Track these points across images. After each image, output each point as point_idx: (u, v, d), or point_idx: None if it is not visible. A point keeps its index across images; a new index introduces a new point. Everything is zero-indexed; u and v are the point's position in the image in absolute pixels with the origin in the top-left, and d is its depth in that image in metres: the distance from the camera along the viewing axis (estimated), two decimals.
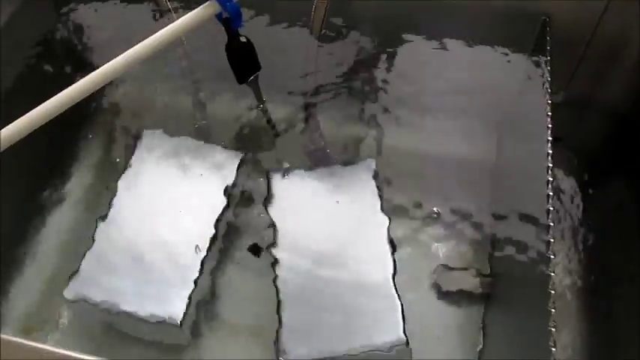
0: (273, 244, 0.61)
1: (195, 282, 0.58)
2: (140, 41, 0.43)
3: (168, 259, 0.59)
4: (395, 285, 0.57)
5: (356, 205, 0.63)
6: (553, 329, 0.44)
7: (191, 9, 0.45)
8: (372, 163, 0.65)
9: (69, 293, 0.57)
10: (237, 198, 0.67)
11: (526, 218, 0.56)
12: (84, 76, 0.41)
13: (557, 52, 0.59)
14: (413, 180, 0.69)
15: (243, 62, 0.52)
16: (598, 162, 0.69)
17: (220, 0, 0.45)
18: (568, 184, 0.68)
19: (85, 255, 0.59)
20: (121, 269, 0.58)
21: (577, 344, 0.59)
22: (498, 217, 0.65)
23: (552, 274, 0.46)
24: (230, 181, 0.65)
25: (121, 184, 0.64)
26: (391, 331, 0.55)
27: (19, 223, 0.67)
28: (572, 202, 0.67)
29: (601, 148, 0.69)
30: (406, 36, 0.65)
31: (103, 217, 0.62)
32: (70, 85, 0.41)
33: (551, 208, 0.49)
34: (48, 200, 0.70)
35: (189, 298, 0.57)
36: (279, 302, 0.57)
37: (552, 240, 0.47)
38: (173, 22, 0.44)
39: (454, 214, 0.67)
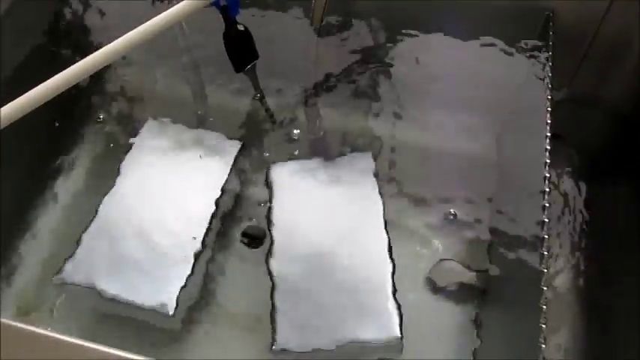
0: (270, 234, 0.61)
1: (191, 270, 0.58)
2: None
3: (164, 246, 0.59)
4: (393, 279, 0.57)
5: (354, 197, 0.63)
6: (544, 326, 0.44)
7: None
8: (370, 156, 0.65)
9: (63, 277, 0.58)
10: (236, 186, 0.67)
11: (524, 214, 0.56)
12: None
13: (561, 50, 0.59)
14: (412, 175, 0.68)
15: (241, 50, 0.52)
16: (599, 160, 0.68)
17: None
18: (569, 181, 0.68)
19: (80, 239, 0.60)
20: (116, 255, 0.58)
21: (576, 344, 0.59)
22: (498, 213, 0.65)
23: (545, 270, 0.46)
24: (229, 169, 0.65)
25: (120, 170, 0.64)
26: (385, 326, 0.55)
27: (19, 204, 0.67)
28: (572, 200, 0.67)
29: (603, 146, 0.69)
30: (408, 31, 0.65)
31: (99, 203, 0.62)
32: None
33: (547, 205, 0.49)
34: (48, 183, 0.70)
35: (184, 285, 0.57)
36: (273, 292, 0.57)
37: (547, 237, 0.47)
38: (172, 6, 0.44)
39: (454, 210, 0.66)
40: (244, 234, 0.65)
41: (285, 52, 0.68)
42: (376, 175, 0.64)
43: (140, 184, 0.63)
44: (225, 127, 0.69)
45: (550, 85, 0.55)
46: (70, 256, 0.59)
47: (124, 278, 0.57)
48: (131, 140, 0.67)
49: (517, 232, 0.57)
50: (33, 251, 0.65)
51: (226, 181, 0.64)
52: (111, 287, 0.57)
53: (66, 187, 0.70)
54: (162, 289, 0.56)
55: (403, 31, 0.65)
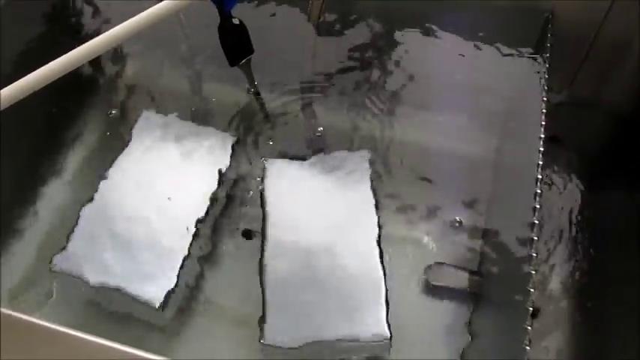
0: (263, 229, 0.61)
1: (183, 263, 0.58)
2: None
3: (157, 239, 0.59)
4: (384, 277, 0.57)
5: (348, 195, 0.62)
6: (529, 327, 0.43)
7: None
8: (366, 154, 0.65)
9: (53, 265, 0.58)
10: (231, 181, 0.67)
11: (519, 217, 0.56)
12: None
13: (561, 51, 0.59)
14: (408, 175, 0.68)
15: (235, 44, 0.52)
16: (599, 163, 0.68)
17: None
18: (568, 184, 0.67)
19: (73, 229, 0.60)
20: (109, 246, 0.59)
21: (570, 347, 0.59)
22: (493, 215, 0.64)
23: (533, 272, 0.45)
24: (224, 164, 0.65)
25: (115, 163, 0.64)
26: (374, 324, 0.54)
27: (16, 193, 0.68)
28: (571, 203, 0.66)
29: (602, 149, 0.68)
30: (407, 31, 0.65)
31: (94, 193, 0.62)
32: None
33: (538, 207, 0.48)
34: (45, 173, 0.70)
35: (176, 278, 0.57)
36: (264, 287, 0.57)
37: (536, 238, 0.47)
38: None
39: (450, 211, 0.66)
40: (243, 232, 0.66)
41: (283, 48, 0.68)
42: (371, 173, 0.64)
43: (133, 176, 0.63)
44: (221, 121, 0.70)
45: (546, 87, 0.55)
46: (62, 247, 0.59)
47: (114, 269, 0.57)
48: (127, 132, 0.67)
49: (510, 234, 0.57)
50: (27, 242, 0.66)
51: (221, 174, 0.64)
52: (100, 278, 0.57)
53: (61, 180, 0.70)
54: (151, 281, 0.57)
55: (401, 30, 0.65)
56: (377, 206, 0.61)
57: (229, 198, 0.67)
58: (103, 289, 0.57)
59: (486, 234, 0.64)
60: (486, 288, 0.60)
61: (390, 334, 0.54)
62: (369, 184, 0.63)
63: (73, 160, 0.72)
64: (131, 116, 0.72)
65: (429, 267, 0.63)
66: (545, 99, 0.54)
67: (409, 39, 0.65)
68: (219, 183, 0.64)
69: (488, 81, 0.65)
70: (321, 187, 0.63)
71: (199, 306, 0.61)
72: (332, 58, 0.69)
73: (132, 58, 0.76)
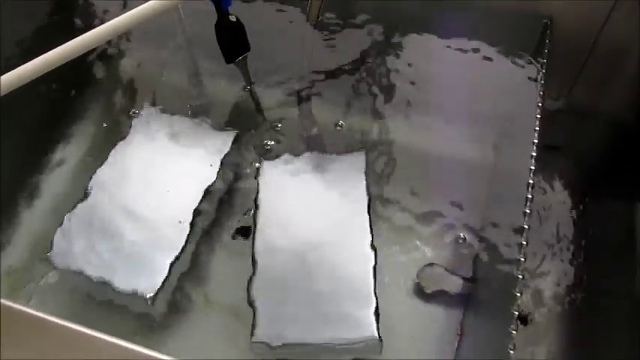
0: (254, 227, 0.61)
1: (176, 257, 0.58)
2: None
3: (151, 232, 0.59)
4: (374, 279, 0.57)
5: (343, 195, 0.63)
6: (514, 332, 0.43)
7: None
8: (362, 156, 0.65)
9: (50, 258, 0.59)
10: (227, 178, 0.67)
11: (512, 222, 0.55)
12: None
13: (560, 58, 0.58)
14: (404, 178, 0.68)
15: (232, 41, 0.52)
16: (597, 171, 0.67)
17: None
18: (565, 192, 0.67)
19: (69, 222, 0.60)
20: (103, 239, 0.59)
21: (561, 356, 0.58)
22: (487, 220, 0.64)
23: (520, 277, 0.45)
24: (220, 160, 0.65)
25: (112, 156, 0.65)
26: (363, 326, 0.54)
27: (13, 185, 0.68)
28: (568, 211, 0.66)
29: (600, 157, 0.68)
30: (405, 34, 0.65)
31: (91, 187, 0.63)
32: None
33: (528, 212, 0.48)
34: (43, 166, 0.71)
35: (168, 272, 0.57)
36: (255, 285, 0.57)
37: (524, 243, 0.47)
38: None
39: (446, 215, 0.66)
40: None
41: (281, 47, 0.68)
42: (366, 174, 0.64)
43: (130, 170, 0.64)
44: (220, 118, 0.70)
45: (542, 93, 0.55)
46: (58, 239, 0.59)
47: (107, 262, 0.58)
48: (126, 127, 0.68)
49: (502, 239, 0.56)
50: (23, 232, 0.66)
51: (218, 170, 0.64)
52: (93, 270, 0.57)
53: (59, 171, 0.71)
54: (144, 275, 0.57)
55: (400, 33, 0.65)
56: (371, 208, 0.61)
57: (226, 194, 0.67)
58: (96, 282, 0.57)
59: (481, 239, 0.64)
60: (478, 292, 0.60)
61: (380, 336, 0.54)
62: (364, 185, 0.63)
63: (71, 153, 0.72)
64: (130, 111, 0.73)
65: (422, 270, 0.63)
66: (540, 104, 0.54)
67: (407, 42, 0.65)
68: (216, 179, 0.64)
69: (485, 86, 0.65)
70: (316, 187, 0.63)
71: (191, 301, 0.61)
72: (330, 58, 0.69)
73: (131, 52, 0.77)
